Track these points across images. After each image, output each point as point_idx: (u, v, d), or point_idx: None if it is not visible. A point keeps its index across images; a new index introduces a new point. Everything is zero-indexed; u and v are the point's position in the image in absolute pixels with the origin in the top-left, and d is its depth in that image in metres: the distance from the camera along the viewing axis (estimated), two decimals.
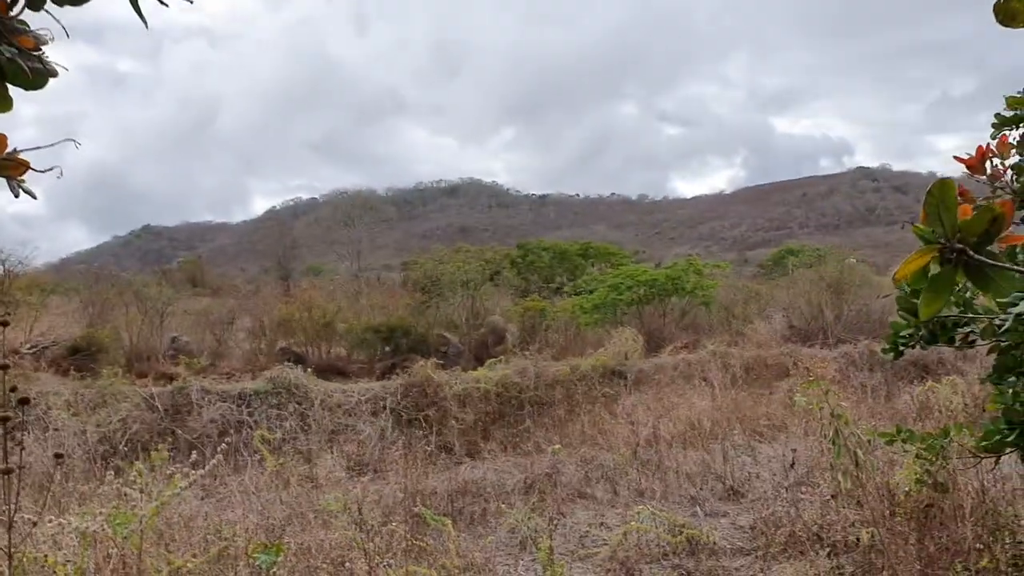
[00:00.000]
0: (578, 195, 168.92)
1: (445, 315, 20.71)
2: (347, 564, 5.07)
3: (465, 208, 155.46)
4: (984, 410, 6.70)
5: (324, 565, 4.98)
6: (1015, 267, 1.59)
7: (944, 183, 1.63)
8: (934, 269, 1.69)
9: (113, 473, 5.80)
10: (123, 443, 9.42)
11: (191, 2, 1.90)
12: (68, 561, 3.95)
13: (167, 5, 1.81)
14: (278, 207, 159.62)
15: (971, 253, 1.62)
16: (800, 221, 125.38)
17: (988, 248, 1.66)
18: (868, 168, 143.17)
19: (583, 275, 28.20)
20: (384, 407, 10.90)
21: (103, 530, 3.99)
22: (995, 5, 1.22)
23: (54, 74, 1.78)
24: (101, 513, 4.05)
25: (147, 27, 2.14)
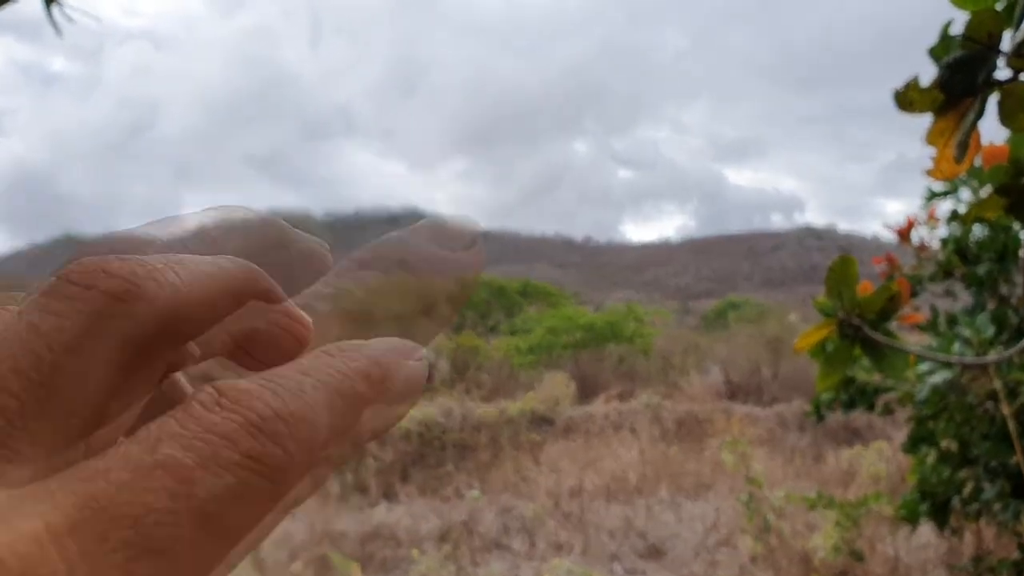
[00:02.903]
0: (521, 232, 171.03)
1: None
2: None
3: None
4: (904, 478, 6.75)
5: None
6: (907, 348, 1.58)
7: (845, 260, 1.62)
8: (832, 343, 1.70)
9: None
10: None
11: (98, 20, 1.78)
12: None
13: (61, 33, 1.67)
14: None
15: (867, 330, 1.62)
16: (745, 275, 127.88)
17: (887, 326, 1.66)
18: (814, 228, 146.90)
19: (521, 314, 28.17)
20: None
21: None
22: (894, 93, 1.18)
23: None
24: None
25: (60, 36, 1.99)
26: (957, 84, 1.15)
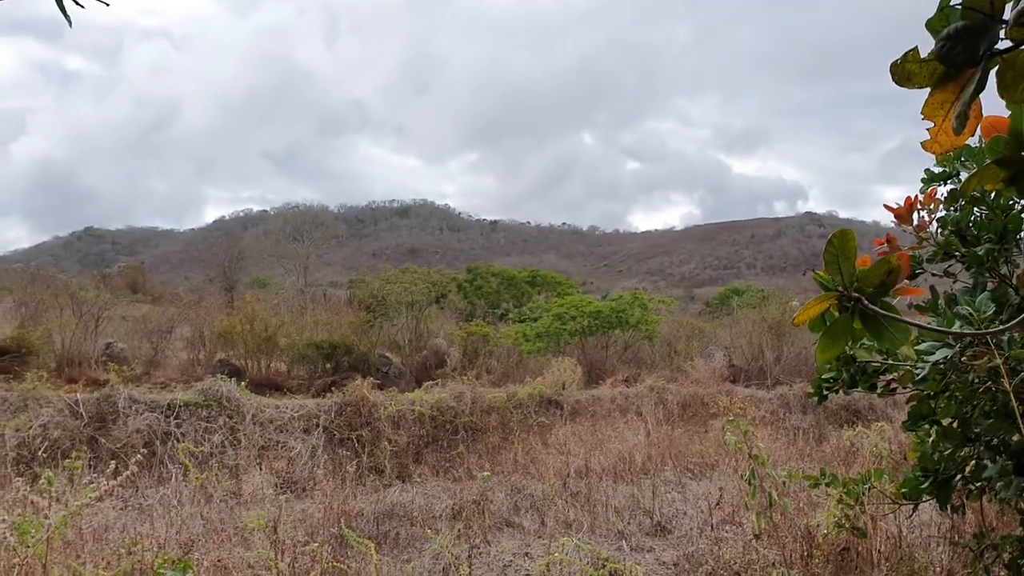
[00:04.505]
0: (529, 223, 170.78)
1: (389, 335, 20.58)
2: None
3: (416, 229, 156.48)
4: (905, 457, 6.81)
5: None
6: (907, 320, 1.62)
7: (844, 234, 1.65)
8: (831, 316, 1.71)
9: (27, 480, 5.62)
10: (42, 450, 9.13)
11: (107, 4, 1.87)
12: None
13: (83, 7, 1.78)
14: (227, 217, 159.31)
15: (866, 303, 1.64)
16: (748, 261, 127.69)
17: (885, 299, 1.69)
18: (815, 214, 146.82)
19: (529, 303, 28.26)
20: (317, 425, 10.75)
21: (5, 538, 3.85)
22: (891, 65, 1.23)
23: None
24: (4, 520, 3.91)
25: (71, 26, 2.10)
26: (958, 55, 1.17)
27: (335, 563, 5.69)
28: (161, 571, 3.74)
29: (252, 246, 60.13)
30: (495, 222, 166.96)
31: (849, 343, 3.69)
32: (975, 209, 3.84)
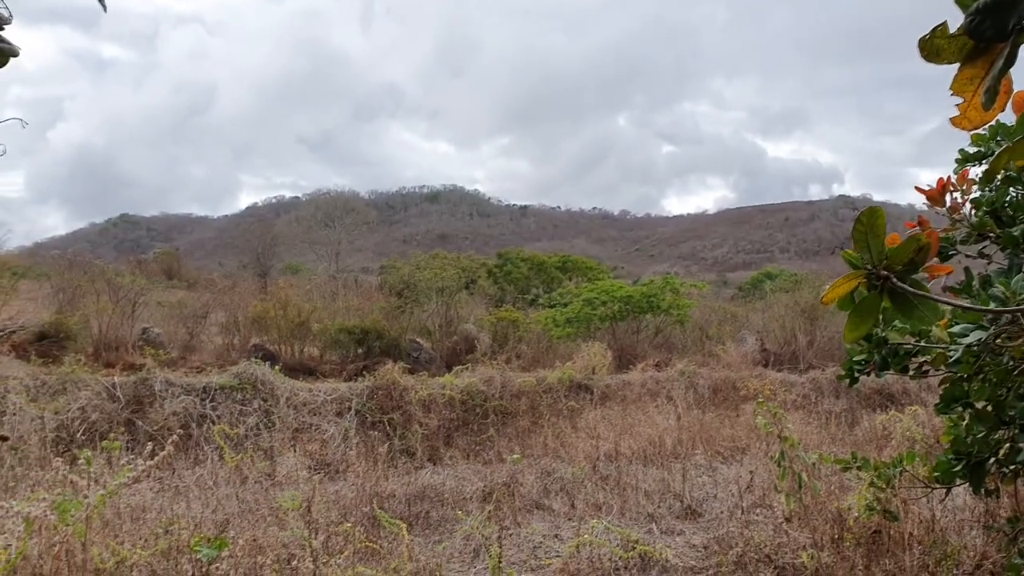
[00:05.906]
0: (559, 207, 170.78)
1: (419, 321, 20.69)
2: (294, 563, 5.04)
3: (446, 215, 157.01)
4: (938, 441, 6.75)
5: (271, 563, 4.95)
6: (937, 297, 1.61)
7: (873, 211, 1.64)
8: (860, 294, 1.70)
9: (66, 461, 5.75)
10: (81, 432, 9.32)
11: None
12: (9, 545, 3.91)
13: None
14: (260, 204, 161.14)
15: (895, 280, 1.63)
16: (781, 245, 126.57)
17: (915, 277, 1.68)
18: (849, 197, 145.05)
19: (559, 288, 28.22)
20: (350, 408, 10.88)
21: (46, 516, 3.94)
22: (920, 41, 1.22)
23: (14, 53, 1.79)
24: (45, 499, 4.01)
25: (105, 10, 2.14)
26: (987, 29, 1.16)
27: (367, 543, 5.78)
28: (196, 548, 3.81)
29: (284, 232, 60.61)
30: (525, 207, 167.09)
31: (881, 325, 3.68)
32: (1011, 189, 3.77)
